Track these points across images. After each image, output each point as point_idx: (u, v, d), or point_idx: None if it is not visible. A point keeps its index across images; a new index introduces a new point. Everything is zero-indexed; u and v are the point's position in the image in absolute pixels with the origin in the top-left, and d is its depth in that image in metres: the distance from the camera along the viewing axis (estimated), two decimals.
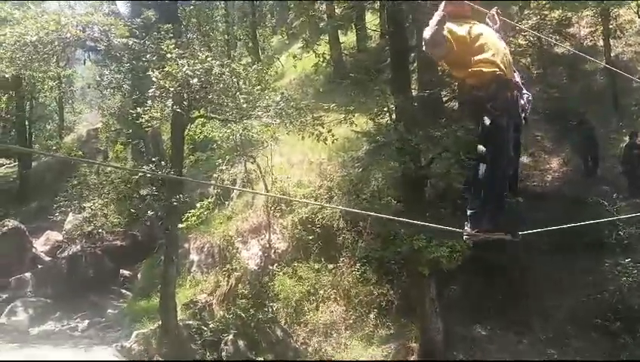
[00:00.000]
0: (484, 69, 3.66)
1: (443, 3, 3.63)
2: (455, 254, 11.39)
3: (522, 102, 3.85)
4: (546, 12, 17.22)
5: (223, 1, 33.86)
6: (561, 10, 17.74)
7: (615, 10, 18.21)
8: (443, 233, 10.56)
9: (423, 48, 3.82)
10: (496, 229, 3.89)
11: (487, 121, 3.70)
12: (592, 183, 14.51)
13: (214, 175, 18.96)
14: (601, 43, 18.65)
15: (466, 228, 3.93)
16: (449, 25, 3.70)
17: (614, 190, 13.69)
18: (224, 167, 17.87)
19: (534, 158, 16.06)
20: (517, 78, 3.90)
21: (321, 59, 17.65)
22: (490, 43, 3.73)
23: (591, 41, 19.40)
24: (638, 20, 19.07)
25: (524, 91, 3.90)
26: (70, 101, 38.09)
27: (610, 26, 18.45)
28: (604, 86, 17.21)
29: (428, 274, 12.09)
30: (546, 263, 12.88)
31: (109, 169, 16.11)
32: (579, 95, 17.04)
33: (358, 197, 15.06)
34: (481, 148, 3.83)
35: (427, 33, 3.66)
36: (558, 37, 17.30)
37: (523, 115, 3.88)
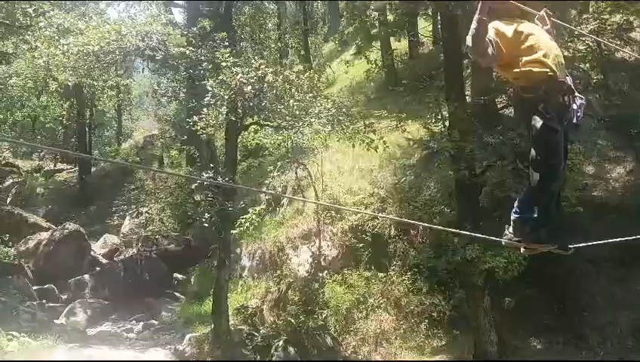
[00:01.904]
0: (534, 70, 3.49)
1: (480, 4, 3.44)
2: (511, 265, 11.12)
3: (575, 106, 3.66)
4: (606, 16, 16.65)
5: (275, 9, 34.39)
6: (622, 14, 17.14)
7: None
8: (499, 243, 10.34)
9: (469, 56, 3.70)
10: (540, 240, 3.74)
11: (539, 124, 3.53)
12: None
13: (266, 181, 19.17)
14: None
15: (506, 232, 3.79)
16: (496, 24, 3.56)
17: None
18: (275, 174, 18.03)
19: (597, 167, 15.53)
20: (569, 81, 3.72)
21: (374, 66, 17.61)
22: (542, 43, 3.56)
23: None
24: None
25: (577, 95, 3.72)
26: (128, 108, 39.34)
27: None
28: None
29: (482, 285, 11.83)
30: (604, 276, 12.43)
31: (165, 175, 16.64)
32: None
33: (410, 205, 14.92)
34: (532, 153, 3.68)
35: (469, 40, 3.53)
36: (619, 42, 16.69)
37: (575, 120, 3.71)
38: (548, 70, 3.49)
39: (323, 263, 15.09)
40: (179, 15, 26.07)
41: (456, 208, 13.28)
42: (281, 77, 13.01)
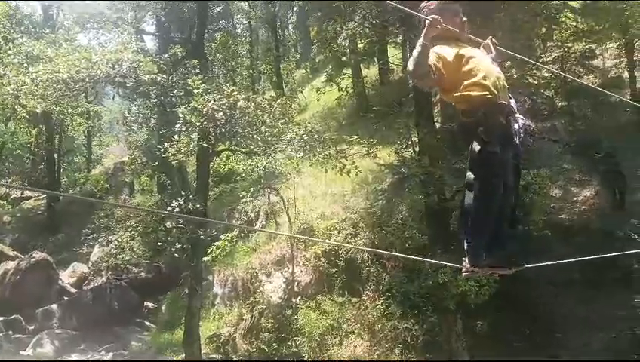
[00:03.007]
0: (472, 93, 3.51)
1: (425, 30, 3.50)
2: (482, 289, 11.23)
3: (516, 126, 3.64)
4: (569, 44, 17.24)
5: (247, 35, 34.67)
6: (584, 42, 17.76)
7: (639, 42, 18.16)
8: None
9: (409, 80, 3.76)
10: (495, 264, 3.70)
11: (477, 147, 3.53)
12: (621, 217, 14.25)
13: (238, 207, 19.09)
14: (626, 75, 18.56)
15: (464, 263, 3.72)
16: (438, 49, 3.59)
17: None
18: (248, 200, 17.98)
19: (563, 190, 15.89)
20: (513, 103, 3.72)
21: (344, 93, 17.82)
22: (482, 66, 3.59)
23: (616, 73, 19.32)
24: None
25: (519, 116, 3.70)
26: (98, 134, 38.94)
27: (635, 58, 18.40)
28: (630, 118, 17.03)
29: (454, 309, 11.91)
30: (574, 298, 12.63)
31: (134, 202, 16.43)
32: (604, 127, 16.87)
33: (382, 229, 15.00)
34: (469, 175, 3.66)
35: (410, 64, 3.56)
36: (582, 69, 17.28)
37: (517, 140, 3.67)
38: (487, 93, 3.50)
39: (296, 289, 15.02)
40: (150, 42, 26.08)
41: (427, 232, 13.40)
42: (253, 103, 13.11)
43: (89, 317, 18.84)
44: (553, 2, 15.52)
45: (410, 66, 3.57)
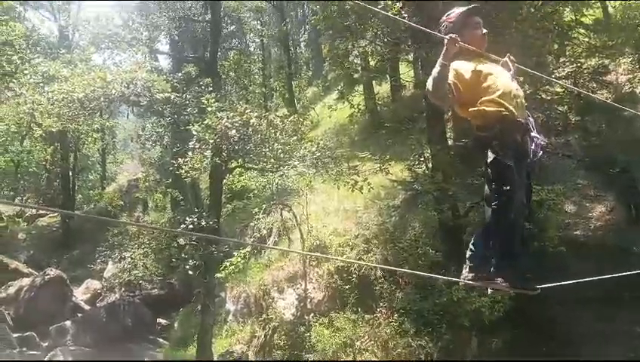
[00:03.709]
0: (488, 109, 3.52)
1: (444, 49, 3.52)
2: (496, 305, 11.13)
3: (533, 146, 3.67)
4: (582, 60, 17.20)
5: (260, 53, 35.02)
6: (597, 58, 17.71)
7: None
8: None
9: (427, 98, 3.76)
10: (509, 281, 3.63)
11: (492, 158, 3.55)
12: (637, 232, 14.07)
13: (251, 223, 19.13)
14: (639, 90, 18.45)
15: (463, 271, 3.71)
16: (456, 64, 3.61)
17: None
18: (260, 216, 18.01)
19: (578, 206, 15.75)
20: (531, 121, 3.73)
21: (356, 110, 17.90)
22: (500, 83, 3.61)
23: (629, 88, 19.20)
24: None
25: (535, 135, 3.70)
26: (112, 152, 39.32)
27: None
28: None
29: (469, 326, 11.80)
30: (591, 315, 12.42)
31: (147, 219, 16.52)
32: (619, 142, 16.73)
33: (395, 246, 14.95)
34: (486, 190, 3.67)
35: (429, 84, 3.58)
36: (595, 85, 17.19)
37: (533, 158, 3.70)
38: (503, 110, 3.52)
39: (309, 306, 14.96)
40: (164, 61, 26.44)
41: (441, 249, 13.34)
42: (265, 121, 13.22)
43: (102, 334, 18.88)
44: (565, 19, 15.59)
45: (429, 86, 3.60)
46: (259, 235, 18.60)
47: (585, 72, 17.30)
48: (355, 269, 15.03)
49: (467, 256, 3.72)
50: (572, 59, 17.05)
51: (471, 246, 3.72)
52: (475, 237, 3.74)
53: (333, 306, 14.81)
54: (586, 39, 17.34)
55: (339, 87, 24.31)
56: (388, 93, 24.68)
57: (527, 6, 14.20)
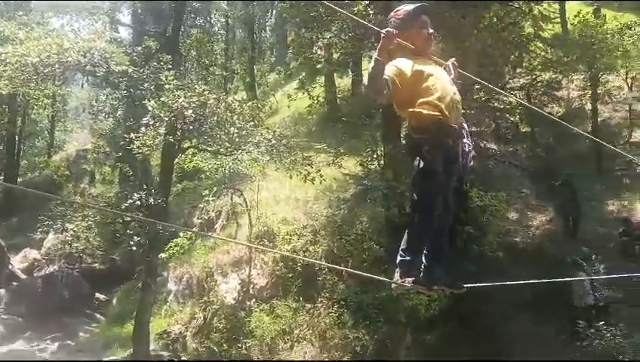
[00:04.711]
0: (424, 111, 3.51)
1: (379, 44, 3.47)
2: (432, 304, 11.45)
3: (465, 148, 3.69)
4: (537, 73, 17.76)
5: (224, 34, 34.59)
6: (552, 73, 18.32)
7: (604, 75, 18.78)
8: None
9: (366, 93, 3.71)
10: (424, 282, 3.70)
11: (420, 165, 3.56)
12: (573, 243, 14.70)
13: (200, 205, 18.97)
14: (589, 106, 19.17)
15: (395, 276, 3.73)
16: (398, 62, 3.59)
17: (594, 252, 13.89)
18: (210, 199, 17.90)
19: (520, 214, 16.31)
20: (464, 126, 3.76)
21: (315, 101, 17.95)
22: (439, 85, 3.59)
23: (579, 104, 19.94)
24: (626, 87, 19.69)
25: (466, 141, 3.73)
26: (62, 120, 38.11)
27: (599, 91, 19.03)
28: (590, 149, 17.59)
29: (405, 322, 12.10)
30: (521, 318, 12.92)
31: (93, 192, 16.19)
32: (564, 156, 17.41)
33: (342, 238, 15.13)
34: (413, 194, 3.69)
35: (365, 79, 3.56)
36: (547, 98, 17.79)
37: (464, 164, 3.71)
38: (438, 113, 3.53)
39: (251, 291, 15.01)
40: (125, 32, 25.74)
41: (385, 245, 13.59)
42: (223, 104, 13.12)
43: (38, 305, 18.42)
44: (525, 32, 16.04)
45: (365, 80, 3.58)
46: (207, 218, 18.48)
47: (539, 85, 17.91)
48: (300, 258, 15.15)
49: (397, 260, 3.76)
50: (528, 71, 17.62)
51: (400, 251, 3.76)
52: (404, 242, 3.77)
53: (276, 293, 14.90)
54: (543, 53, 17.89)
55: (300, 77, 24.28)
56: (349, 87, 24.81)
57: (489, 16, 14.57)
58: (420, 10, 3.85)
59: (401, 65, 3.59)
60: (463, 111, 3.82)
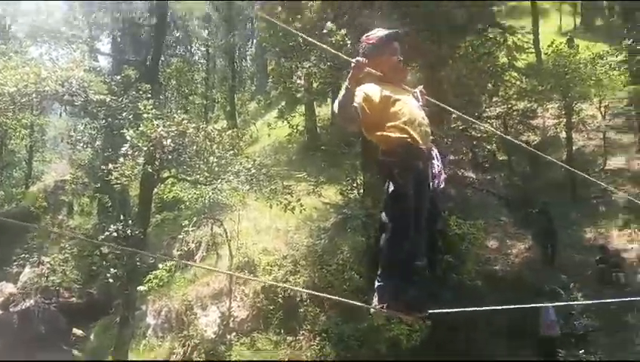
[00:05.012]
0: (392, 135, 3.54)
1: (350, 73, 3.50)
2: (414, 334, 11.38)
3: (434, 171, 3.71)
4: (512, 102, 18.05)
5: (204, 63, 34.76)
6: (527, 102, 18.63)
7: (578, 104, 19.12)
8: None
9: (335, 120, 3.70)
10: (401, 306, 3.62)
11: (391, 188, 3.54)
12: (551, 271, 14.80)
13: (179, 236, 18.75)
14: (564, 135, 19.45)
15: (373, 301, 3.67)
16: (365, 88, 3.62)
17: (571, 280, 13.98)
18: (190, 229, 17.72)
19: (499, 242, 16.39)
20: (434, 149, 3.77)
21: (295, 130, 18.01)
22: (406, 110, 3.62)
23: (554, 132, 20.23)
24: (599, 116, 20.05)
25: (437, 163, 3.75)
26: (41, 150, 37.69)
27: (574, 120, 19.34)
28: (565, 177, 17.78)
29: (386, 353, 12.00)
30: (502, 347, 12.90)
31: (71, 223, 15.94)
32: (541, 184, 17.59)
33: (323, 268, 15.04)
34: (383, 216, 3.63)
35: (335, 107, 3.57)
36: (522, 126, 18.04)
37: (435, 186, 3.70)
38: (407, 136, 3.56)
39: (232, 324, 14.78)
40: (104, 60, 25.76)
41: (365, 274, 13.54)
42: (202, 133, 13.11)
43: (13, 341, 17.90)
44: (500, 62, 16.35)
45: (335, 109, 3.59)
46: (186, 249, 18.25)
47: (514, 113, 18.18)
48: (281, 290, 15.00)
49: (375, 286, 3.68)
50: (504, 100, 17.90)
51: (377, 277, 3.68)
52: (380, 268, 3.68)
53: (257, 326, 14.70)
54: (518, 82, 18.20)
55: (280, 106, 24.40)
56: (328, 115, 24.95)
57: (464, 45, 14.84)
58: (392, 36, 3.89)
59: (369, 91, 3.62)
60: (440, 139, 3.84)
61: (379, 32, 3.89)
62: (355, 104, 3.52)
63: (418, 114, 3.71)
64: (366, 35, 3.92)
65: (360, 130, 3.77)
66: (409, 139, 3.56)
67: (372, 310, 3.75)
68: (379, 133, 3.61)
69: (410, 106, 3.69)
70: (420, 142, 3.61)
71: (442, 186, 3.77)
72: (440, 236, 12.95)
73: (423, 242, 3.71)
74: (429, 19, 13.57)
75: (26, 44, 19.86)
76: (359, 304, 4.14)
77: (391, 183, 3.57)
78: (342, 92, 3.53)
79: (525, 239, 16.26)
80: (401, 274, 3.58)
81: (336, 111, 3.57)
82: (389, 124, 3.58)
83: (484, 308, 5.10)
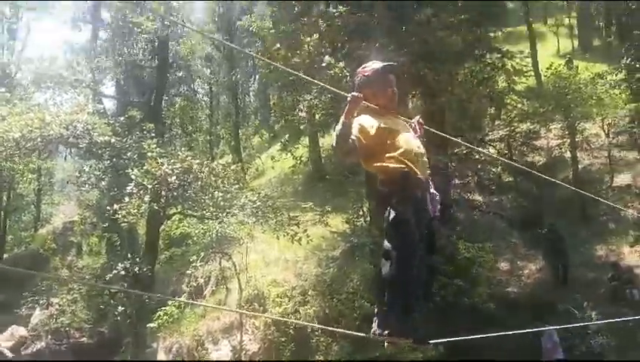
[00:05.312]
0: (390, 165, 3.61)
1: (347, 107, 3.58)
2: None
3: (431, 203, 3.76)
4: (515, 124, 18.16)
5: (208, 101, 35.22)
6: (529, 123, 18.73)
7: (581, 123, 19.18)
8: None
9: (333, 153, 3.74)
10: (402, 334, 3.63)
11: (392, 215, 3.58)
12: (564, 291, 14.64)
13: (188, 271, 18.73)
14: (568, 155, 19.48)
15: (373, 327, 3.67)
16: (361, 119, 3.68)
17: (584, 298, 13.82)
18: (198, 264, 17.70)
19: (510, 263, 16.29)
20: (430, 179, 3.82)
21: (299, 161, 18.13)
22: (402, 141, 3.69)
23: (559, 152, 20.25)
24: (603, 134, 20.08)
25: (433, 192, 3.80)
26: (49, 192, 37.99)
27: (577, 139, 19.39)
28: (573, 196, 17.72)
29: None
30: None
31: (80, 264, 15.98)
32: (549, 204, 17.53)
33: (333, 298, 14.95)
34: (386, 244, 3.65)
35: (333, 140, 3.64)
36: (526, 148, 18.10)
37: (432, 214, 3.76)
38: (404, 166, 3.62)
39: (244, 358, 14.65)
40: (109, 102, 26.12)
41: (377, 302, 13.42)
42: (207, 168, 13.23)
43: None
44: (499, 86, 16.49)
45: (333, 143, 3.66)
46: (195, 284, 18.21)
47: (517, 135, 18.28)
48: (291, 321, 14.89)
49: (375, 311, 3.72)
50: (506, 123, 18.01)
51: (378, 305, 3.71)
52: (381, 295, 3.71)
53: (269, 359, 14.56)
54: (520, 105, 18.32)
55: (282, 140, 24.63)
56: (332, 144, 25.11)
57: (463, 72, 15.01)
58: (388, 69, 3.96)
59: (365, 123, 3.70)
60: (444, 164, 3.88)
61: (374, 65, 3.97)
62: (352, 137, 3.59)
63: (414, 143, 3.79)
64: (362, 67, 4.01)
65: (358, 162, 3.84)
66: (406, 169, 3.63)
67: (371, 335, 3.71)
68: (377, 164, 3.68)
69: (406, 137, 3.77)
70: (418, 171, 3.68)
71: (438, 208, 3.82)
72: (448, 261, 12.96)
73: (423, 269, 3.71)
74: (425, 48, 13.76)
75: (30, 91, 20.21)
76: (360, 334, 4.11)
77: (391, 211, 3.61)
78: (339, 126, 3.60)
79: (536, 260, 16.14)
80: (405, 301, 3.59)
81: (334, 144, 3.65)
82: (386, 155, 3.65)
83: (486, 335, 4.99)
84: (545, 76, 21.71)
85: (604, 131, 19.89)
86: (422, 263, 3.68)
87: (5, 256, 29.21)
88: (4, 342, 21.35)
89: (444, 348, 10.68)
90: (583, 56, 27.01)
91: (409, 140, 3.77)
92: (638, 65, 19.16)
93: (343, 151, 3.64)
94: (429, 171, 3.85)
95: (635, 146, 20.08)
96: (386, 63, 4.00)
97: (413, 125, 4.05)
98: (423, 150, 3.82)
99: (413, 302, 3.64)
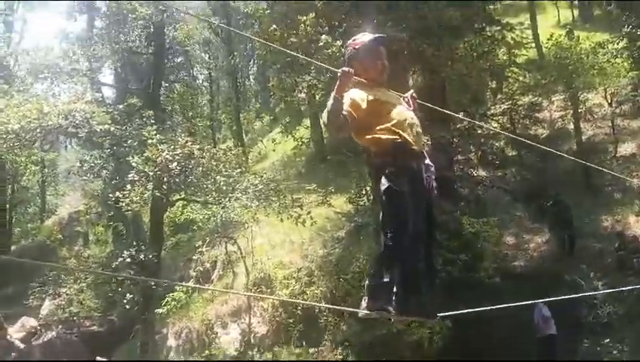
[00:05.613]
0: (383, 137, 3.53)
1: (338, 82, 3.48)
2: (435, 336, 11.26)
3: (426, 174, 3.65)
4: (517, 97, 17.98)
5: (208, 85, 35.09)
6: (531, 96, 18.55)
7: (584, 94, 18.99)
8: None
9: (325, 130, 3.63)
10: (411, 312, 3.52)
11: (384, 186, 3.49)
12: (570, 262, 14.61)
13: (194, 257, 18.82)
14: (572, 126, 19.33)
15: (362, 303, 3.54)
16: (352, 93, 3.59)
17: (591, 269, 13.80)
18: (204, 249, 17.76)
19: (516, 237, 16.25)
20: (424, 149, 3.74)
21: (300, 143, 18.04)
22: (395, 112, 3.63)
23: (562, 124, 20.10)
24: (606, 104, 19.89)
25: (428, 162, 3.69)
26: (53, 184, 38.07)
27: (580, 110, 19.21)
28: (578, 167, 17.60)
29: (410, 358, 11.89)
30: (527, 341, 12.69)
31: (87, 253, 16.02)
32: (554, 176, 17.42)
33: (339, 278, 14.99)
34: (381, 214, 3.59)
35: (324, 116, 3.55)
36: (529, 121, 17.95)
37: (428, 185, 3.65)
38: (397, 137, 3.55)
39: (253, 341, 14.76)
40: (108, 91, 26.00)
41: None
42: (208, 153, 13.19)
43: None
44: (500, 59, 16.30)
45: (324, 119, 3.58)
46: (202, 269, 18.29)
47: (520, 109, 18.10)
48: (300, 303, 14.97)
49: (365, 286, 3.62)
50: (508, 97, 17.83)
51: (370, 277, 3.64)
52: (372, 266, 3.70)
53: (278, 340, 14.67)
54: (521, 78, 18.12)
55: (282, 122, 24.52)
56: None
57: (463, 46, 14.83)
58: (379, 41, 3.88)
59: (356, 97, 3.60)
60: (441, 140, 3.80)
61: (364, 37, 3.89)
62: (343, 112, 3.49)
63: (408, 115, 3.71)
64: (352, 39, 3.92)
65: (350, 137, 3.75)
66: (400, 140, 3.55)
67: (360, 312, 3.57)
68: (369, 137, 3.60)
69: (399, 109, 3.69)
70: (412, 141, 3.60)
71: (435, 185, 3.71)
72: (453, 236, 12.92)
73: (422, 245, 3.58)
74: (424, 23, 13.58)
75: (28, 82, 20.09)
76: (350, 309, 4.02)
77: (383, 181, 3.52)
78: (330, 101, 3.51)
79: (541, 232, 16.09)
80: (401, 278, 3.46)
81: (326, 120, 3.56)
82: (378, 127, 3.57)
83: (489, 307, 4.91)
84: (546, 47, 21.46)
85: (607, 101, 19.68)
86: (419, 236, 3.54)
87: (12, 248, 29.36)
88: (16, 333, 21.52)
89: (451, 321, 10.72)
90: (584, 26, 26.65)
91: (402, 112, 3.70)
92: (639, 33, 18.89)
93: (335, 127, 3.56)
94: (423, 143, 3.76)
95: (638, 114, 19.90)
96: (376, 35, 3.91)
97: (406, 99, 3.95)
98: (416, 121, 3.73)
99: (417, 277, 3.51)
